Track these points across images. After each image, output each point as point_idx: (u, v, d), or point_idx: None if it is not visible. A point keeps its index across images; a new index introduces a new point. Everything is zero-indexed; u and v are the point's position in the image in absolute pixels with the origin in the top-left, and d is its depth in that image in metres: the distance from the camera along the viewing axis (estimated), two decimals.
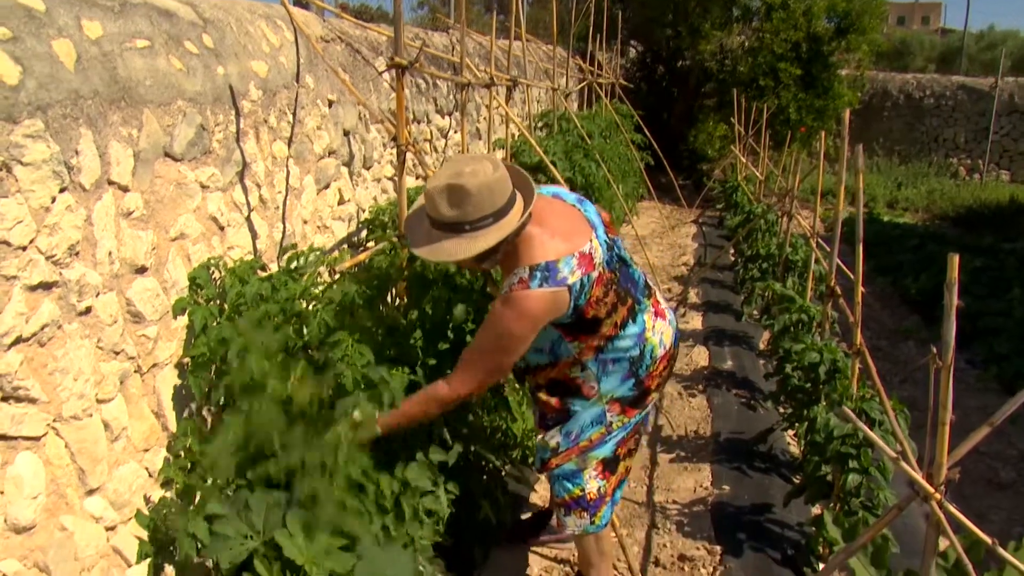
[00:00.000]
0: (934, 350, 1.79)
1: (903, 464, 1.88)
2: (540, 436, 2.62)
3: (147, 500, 2.34)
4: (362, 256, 2.79)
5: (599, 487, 2.62)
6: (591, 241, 2.34)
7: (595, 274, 2.31)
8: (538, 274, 2.22)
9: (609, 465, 2.62)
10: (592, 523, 2.66)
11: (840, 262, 3.67)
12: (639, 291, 2.53)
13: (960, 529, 1.82)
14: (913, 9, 48.76)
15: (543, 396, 2.56)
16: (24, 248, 1.86)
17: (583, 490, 2.61)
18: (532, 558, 3.21)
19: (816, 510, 3.37)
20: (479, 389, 2.44)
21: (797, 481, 3.82)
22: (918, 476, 1.82)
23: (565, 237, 2.31)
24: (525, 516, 3.46)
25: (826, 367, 3.58)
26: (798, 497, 3.39)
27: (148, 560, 2.18)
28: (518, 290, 2.22)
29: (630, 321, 2.45)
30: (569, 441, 2.56)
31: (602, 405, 2.53)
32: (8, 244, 1.82)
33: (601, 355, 2.45)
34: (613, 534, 2.98)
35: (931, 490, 1.78)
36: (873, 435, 2.04)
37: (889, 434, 2.93)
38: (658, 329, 2.55)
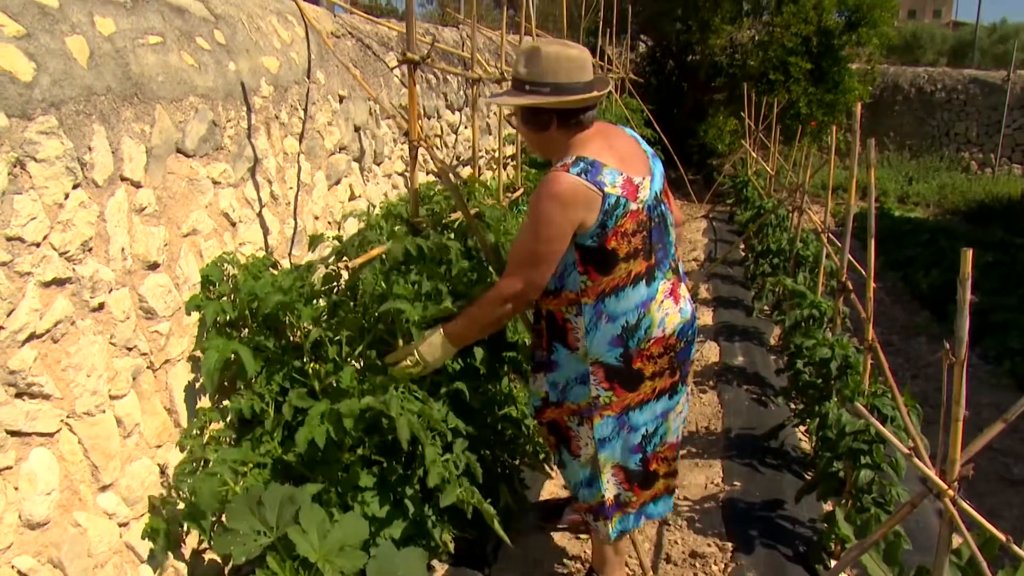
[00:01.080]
0: (947, 346, 1.79)
1: (916, 461, 1.87)
2: (532, 379, 2.68)
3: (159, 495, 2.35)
4: (374, 252, 2.79)
5: (618, 494, 2.63)
6: (644, 179, 2.42)
7: (633, 206, 2.36)
8: (581, 163, 2.32)
9: (636, 477, 2.63)
10: (613, 531, 2.67)
11: (851, 257, 3.65)
12: (665, 258, 2.51)
13: (973, 526, 1.81)
14: (924, 2, 48.43)
15: (542, 325, 2.59)
16: (38, 244, 1.87)
17: (603, 496, 2.62)
18: (544, 554, 3.21)
19: (828, 507, 3.36)
20: (524, 284, 2.41)
21: (809, 477, 3.81)
22: (931, 473, 1.81)
23: (621, 160, 2.39)
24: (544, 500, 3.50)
25: (838, 363, 3.57)
26: (810, 493, 3.39)
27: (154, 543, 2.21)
28: (557, 170, 2.32)
29: (644, 281, 2.43)
30: (557, 392, 2.59)
31: (586, 364, 2.49)
32: (22, 240, 1.82)
33: (600, 304, 2.42)
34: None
35: (944, 487, 1.77)
36: (886, 431, 2.03)
37: (901, 430, 2.92)
38: (665, 308, 2.49)
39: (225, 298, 2.59)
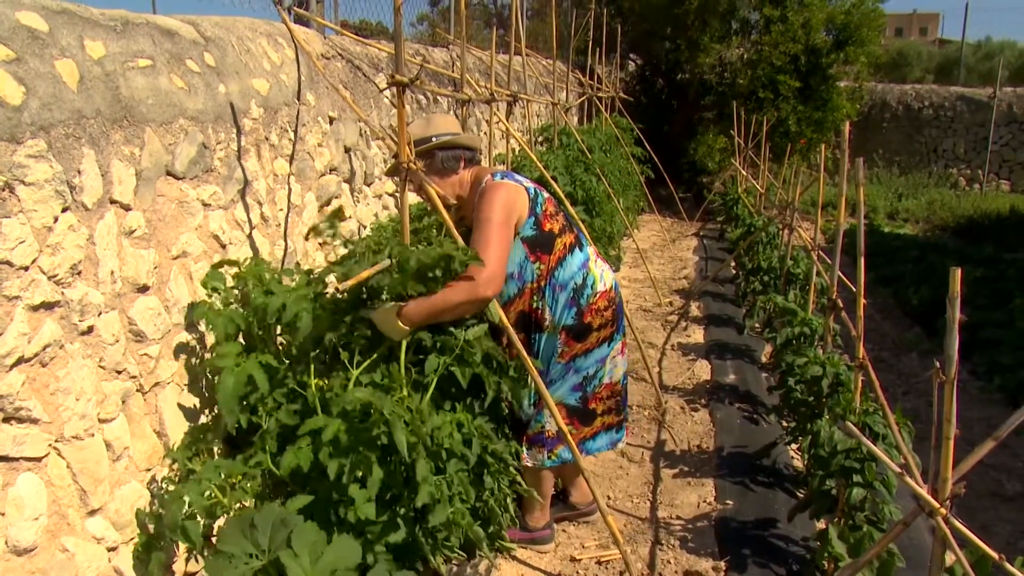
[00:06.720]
0: (937, 364, 1.79)
1: (908, 479, 1.87)
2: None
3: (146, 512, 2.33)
4: (365, 274, 2.77)
5: (559, 429, 2.95)
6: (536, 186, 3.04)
7: (545, 195, 3.02)
8: (499, 175, 2.93)
9: (576, 413, 3.10)
10: (549, 459, 3.10)
11: (841, 274, 3.66)
12: (581, 231, 3.17)
13: (966, 543, 1.81)
14: (911, 20, 48.88)
15: (520, 334, 2.95)
16: (26, 268, 1.87)
17: (543, 427, 3.07)
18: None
19: (821, 525, 3.35)
20: (487, 272, 2.63)
21: (801, 495, 3.80)
22: (923, 491, 1.81)
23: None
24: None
25: (829, 380, 3.57)
26: (802, 512, 3.38)
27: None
28: (488, 182, 2.88)
29: (577, 248, 3.03)
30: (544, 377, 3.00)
31: (556, 336, 3.01)
32: (10, 264, 1.82)
33: (552, 279, 2.96)
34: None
35: (936, 505, 1.77)
36: (877, 450, 2.03)
37: (893, 448, 2.92)
38: (600, 266, 3.10)
39: (233, 305, 2.57)
